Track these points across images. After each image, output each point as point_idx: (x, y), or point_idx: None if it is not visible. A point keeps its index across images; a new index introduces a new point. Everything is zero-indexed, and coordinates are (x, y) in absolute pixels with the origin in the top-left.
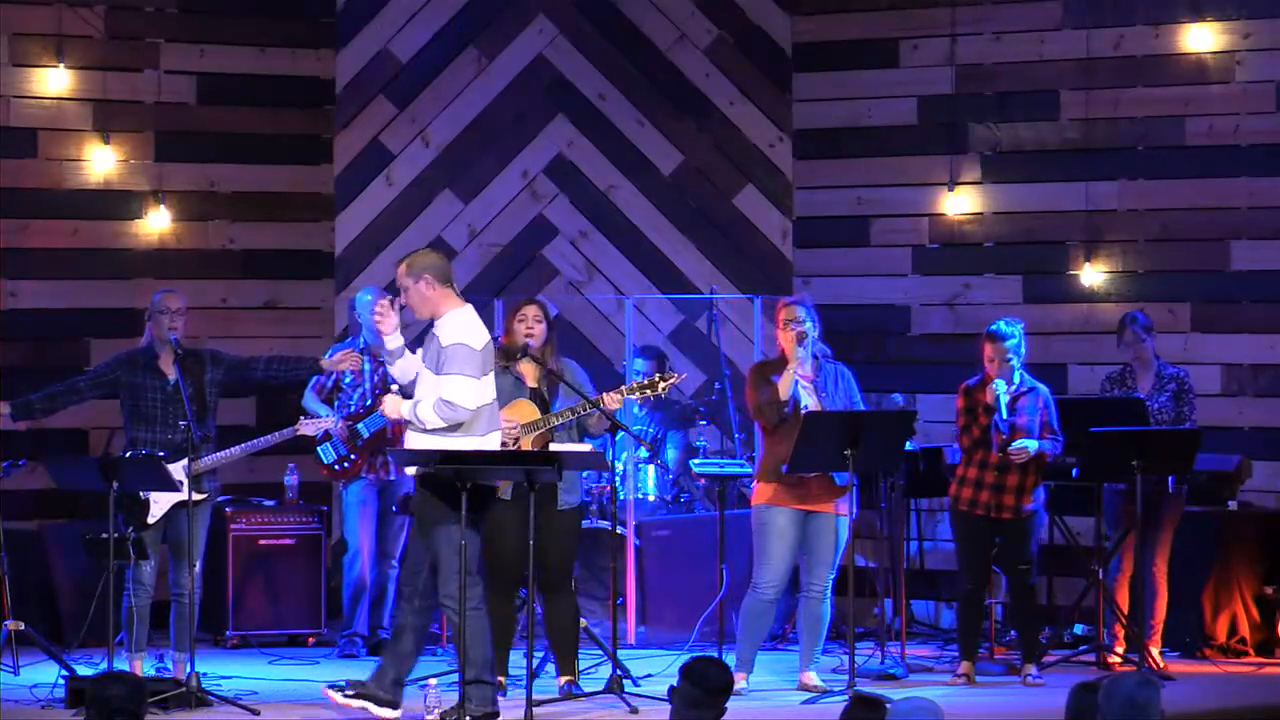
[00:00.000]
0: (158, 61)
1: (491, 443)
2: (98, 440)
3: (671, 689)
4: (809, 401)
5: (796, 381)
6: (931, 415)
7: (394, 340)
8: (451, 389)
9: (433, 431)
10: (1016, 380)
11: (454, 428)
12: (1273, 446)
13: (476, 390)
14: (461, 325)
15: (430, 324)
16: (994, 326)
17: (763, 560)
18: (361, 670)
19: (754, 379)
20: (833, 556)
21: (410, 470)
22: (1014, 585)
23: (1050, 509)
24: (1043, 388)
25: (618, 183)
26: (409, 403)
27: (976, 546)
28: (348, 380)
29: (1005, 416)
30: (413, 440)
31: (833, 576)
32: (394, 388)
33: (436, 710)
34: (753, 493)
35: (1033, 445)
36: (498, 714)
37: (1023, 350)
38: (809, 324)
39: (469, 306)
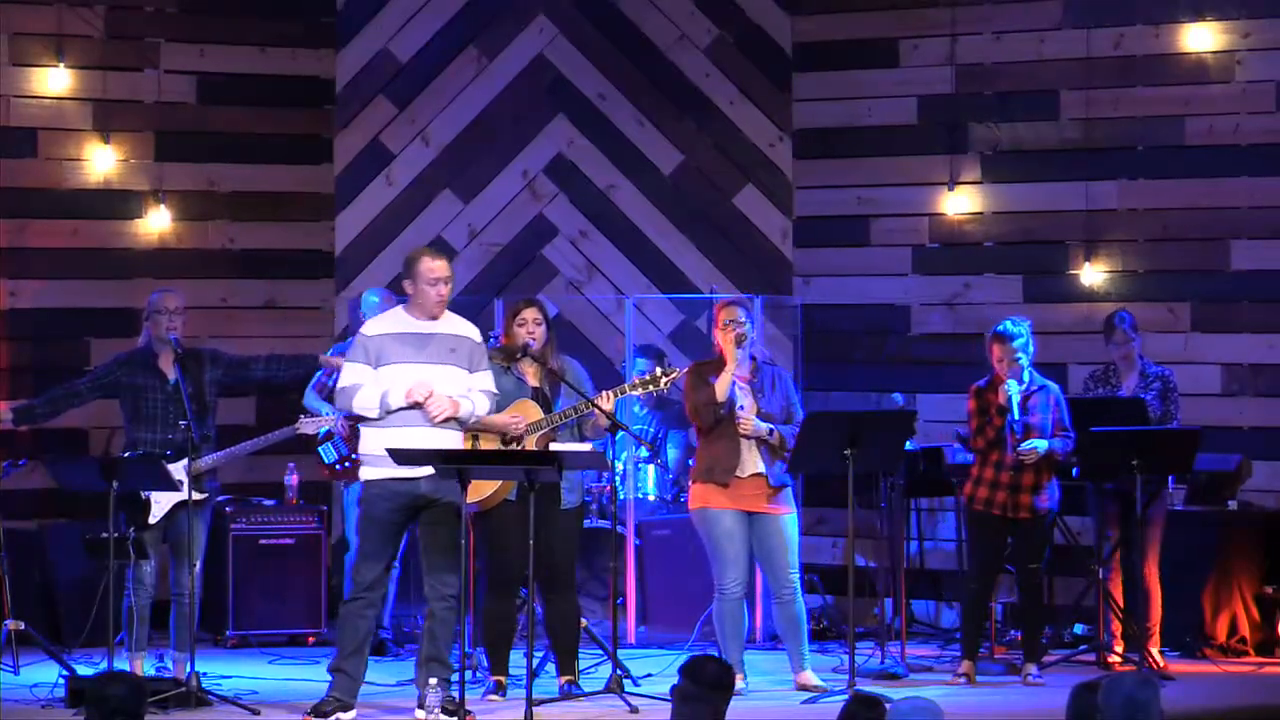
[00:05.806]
0: (158, 61)
1: None
2: (98, 440)
3: (673, 689)
4: (745, 403)
5: (734, 383)
6: (931, 415)
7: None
8: (491, 383)
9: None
10: (1026, 379)
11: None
12: (1273, 446)
13: None
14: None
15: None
16: (1001, 327)
17: (720, 562)
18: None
19: (691, 379)
20: (789, 556)
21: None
22: (1022, 584)
23: None
24: (1053, 385)
25: (618, 182)
26: (467, 401)
27: (990, 546)
28: None
29: (1018, 417)
30: (370, 437)
31: (798, 575)
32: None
33: (437, 710)
34: (688, 496)
35: (1042, 445)
36: (352, 707)
37: (1031, 348)
38: (748, 325)
39: None
